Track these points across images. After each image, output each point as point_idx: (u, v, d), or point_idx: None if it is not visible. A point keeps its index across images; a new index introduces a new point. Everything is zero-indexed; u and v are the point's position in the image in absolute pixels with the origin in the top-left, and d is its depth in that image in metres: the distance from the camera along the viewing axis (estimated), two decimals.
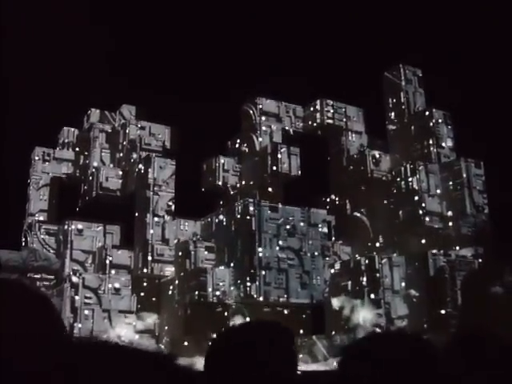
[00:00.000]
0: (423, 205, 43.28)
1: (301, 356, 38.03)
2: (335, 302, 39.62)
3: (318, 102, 50.49)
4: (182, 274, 41.75)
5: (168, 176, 44.88)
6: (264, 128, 48.50)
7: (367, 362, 1.73)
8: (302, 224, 42.11)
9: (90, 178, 49.01)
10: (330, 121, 50.11)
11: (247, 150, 48.65)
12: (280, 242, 40.77)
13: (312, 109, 50.98)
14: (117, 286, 42.21)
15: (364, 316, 37.55)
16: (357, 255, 42.88)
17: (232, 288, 40.22)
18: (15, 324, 1.25)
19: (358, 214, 46.96)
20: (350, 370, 1.76)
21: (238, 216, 41.47)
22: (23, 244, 46.89)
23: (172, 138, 50.46)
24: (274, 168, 45.71)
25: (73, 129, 53.68)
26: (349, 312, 38.39)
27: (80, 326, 40.03)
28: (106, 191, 47.79)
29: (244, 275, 39.78)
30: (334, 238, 45.78)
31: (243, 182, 48.49)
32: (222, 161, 49.10)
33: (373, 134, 50.44)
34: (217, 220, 43.89)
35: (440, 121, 47.11)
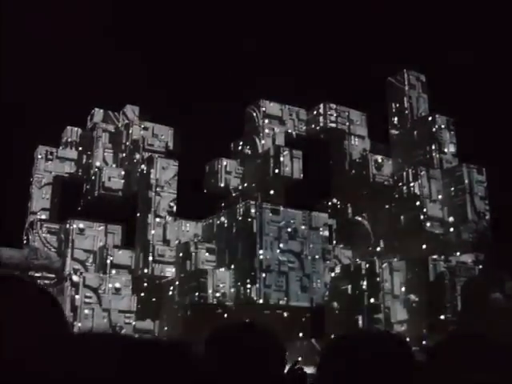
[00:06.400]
0: (424, 210, 43.24)
1: (299, 359, 37.98)
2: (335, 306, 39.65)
3: (322, 105, 50.51)
4: (182, 275, 41.77)
5: (170, 177, 44.95)
6: (267, 131, 48.56)
7: (341, 360, 1.76)
8: (303, 227, 42.10)
9: (93, 177, 49.10)
10: (333, 124, 50.11)
11: (250, 152, 48.72)
12: (281, 245, 40.75)
13: (315, 112, 51.02)
14: (117, 285, 42.27)
15: None
16: (357, 259, 42.87)
17: (232, 290, 40.24)
18: (17, 321, 1.28)
19: (360, 218, 46.92)
20: (326, 368, 1.80)
21: (240, 218, 41.50)
22: (25, 242, 46.95)
23: (175, 139, 50.59)
24: (277, 171, 45.74)
25: (76, 128, 53.82)
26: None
27: (80, 324, 40.07)
28: (109, 191, 47.85)
29: (244, 277, 39.79)
30: (334, 242, 45.75)
31: (245, 184, 48.54)
32: (225, 163, 49.16)
33: (375, 139, 50.46)
34: (218, 222, 43.91)
35: (443, 126, 47.04)
